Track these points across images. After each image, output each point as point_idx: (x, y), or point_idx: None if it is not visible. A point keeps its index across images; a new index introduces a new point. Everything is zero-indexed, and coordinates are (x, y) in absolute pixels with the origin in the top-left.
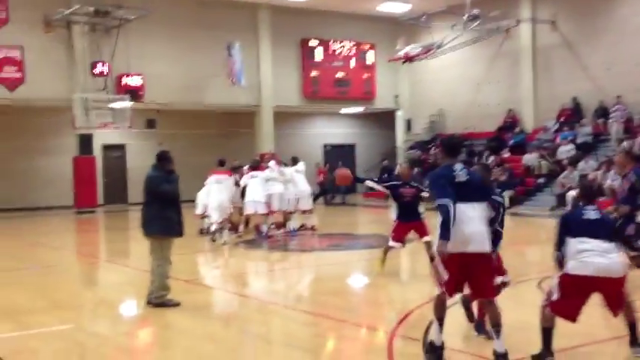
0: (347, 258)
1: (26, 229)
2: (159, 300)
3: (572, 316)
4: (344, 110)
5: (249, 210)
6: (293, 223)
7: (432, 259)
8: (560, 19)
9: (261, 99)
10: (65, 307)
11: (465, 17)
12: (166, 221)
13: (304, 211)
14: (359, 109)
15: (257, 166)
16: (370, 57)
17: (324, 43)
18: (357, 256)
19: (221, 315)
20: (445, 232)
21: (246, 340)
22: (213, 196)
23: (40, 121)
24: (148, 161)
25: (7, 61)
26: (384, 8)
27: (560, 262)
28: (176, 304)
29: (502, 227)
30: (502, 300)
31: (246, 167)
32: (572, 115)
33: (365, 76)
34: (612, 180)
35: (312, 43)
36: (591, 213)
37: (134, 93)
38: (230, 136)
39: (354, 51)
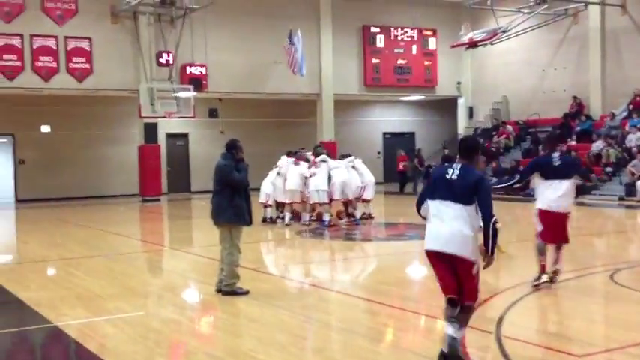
0: (408, 248)
1: (95, 217)
2: (229, 288)
3: None
4: (405, 98)
5: (313, 199)
6: (358, 212)
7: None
8: (630, 2)
9: (321, 87)
10: (136, 293)
11: (531, 0)
12: (236, 210)
13: (365, 200)
14: (420, 96)
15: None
16: (432, 43)
17: (386, 30)
18: (420, 246)
19: (288, 303)
20: None
21: (313, 327)
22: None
23: (107, 110)
24: (209, 150)
25: (76, 52)
26: None
27: None
28: (245, 292)
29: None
30: (572, 293)
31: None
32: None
33: (426, 62)
34: None
35: (374, 29)
36: None
37: (198, 82)
38: (291, 125)
39: (415, 37)
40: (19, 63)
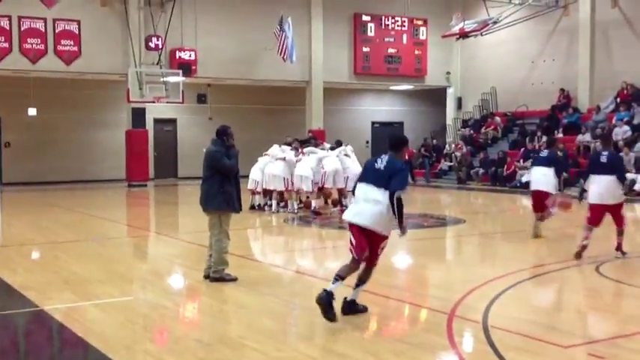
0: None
1: (82, 202)
2: (217, 274)
3: None
4: (394, 87)
5: (296, 185)
6: (346, 200)
7: None
8: None
9: (311, 75)
10: (124, 278)
11: None
12: (226, 196)
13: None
14: (409, 86)
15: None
16: (422, 33)
17: (377, 19)
18: (408, 236)
19: (276, 291)
20: None
21: (303, 315)
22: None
23: (95, 94)
24: (197, 135)
25: (64, 34)
26: None
27: None
28: (234, 279)
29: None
30: (559, 284)
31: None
32: (629, 95)
33: (417, 52)
34: None
35: (365, 18)
36: None
37: (187, 67)
38: (280, 112)
39: (406, 27)
40: (6, 45)
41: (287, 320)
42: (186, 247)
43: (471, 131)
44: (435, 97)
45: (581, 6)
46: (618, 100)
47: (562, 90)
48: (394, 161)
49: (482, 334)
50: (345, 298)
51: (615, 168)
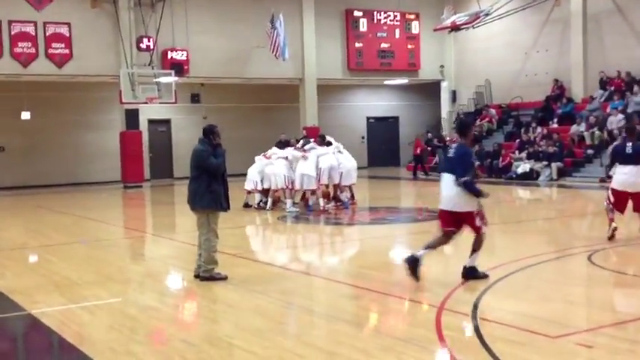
0: (391, 232)
1: (75, 204)
2: (207, 274)
3: None
4: (388, 82)
5: (297, 184)
6: (344, 196)
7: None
8: None
9: (304, 72)
10: (114, 280)
11: None
12: (214, 195)
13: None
14: (403, 80)
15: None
16: (415, 27)
17: (369, 14)
18: (402, 230)
19: (267, 288)
20: None
21: (292, 313)
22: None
23: (87, 96)
24: (192, 135)
25: (55, 37)
26: None
27: None
28: (224, 278)
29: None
30: (550, 275)
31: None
32: (622, 84)
33: (410, 46)
34: None
35: (357, 13)
36: None
37: (179, 67)
38: (274, 110)
39: (398, 21)
40: None
41: (276, 318)
42: (179, 247)
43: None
44: (430, 91)
45: None
46: (612, 88)
47: (556, 80)
48: (460, 147)
49: (471, 327)
50: (465, 266)
51: None
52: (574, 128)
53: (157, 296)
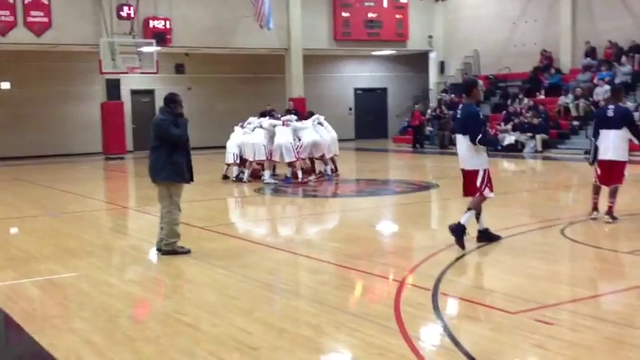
0: (369, 204)
1: (54, 176)
2: (169, 247)
3: None
4: (376, 53)
5: (275, 156)
6: (327, 167)
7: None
8: None
9: (290, 42)
10: (74, 254)
11: None
12: (175, 166)
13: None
14: (391, 51)
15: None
16: None
17: None
18: (380, 203)
19: (229, 263)
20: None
21: (250, 288)
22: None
23: (68, 66)
24: None
25: (34, 5)
26: None
27: None
28: (186, 252)
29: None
30: (520, 249)
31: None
32: (612, 55)
33: (397, 16)
34: None
35: None
36: None
37: (161, 36)
38: (260, 81)
39: None
40: None
41: (231, 293)
42: (149, 220)
43: (453, 95)
44: (418, 62)
45: None
46: (598, 59)
47: (544, 51)
48: (465, 107)
49: (429, 302)
50: (478, 230)
51: (625, 120)
52: (562, 100)
53: (114, 271)
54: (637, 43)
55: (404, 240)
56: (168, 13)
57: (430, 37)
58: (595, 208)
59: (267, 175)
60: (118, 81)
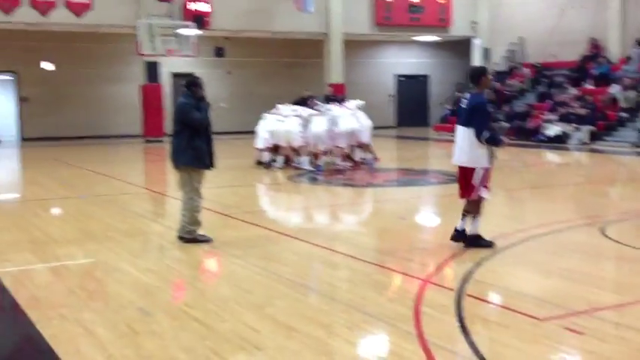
0: (403, 195)
1: (91, 158)
2: (189, 235)
3: None
4: (417, 38)
5: (310, 144)
6: (368, 156)
7: None
8: None
9: (329, 26)
10: (95, 239)
11: None
12: (196, 152)
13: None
14: (433, 37)
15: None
16: None
17: None
18: (415, 194)
19: (247, 253)
20: None
21: (265, 281)
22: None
23: (107, 47)
24: (216, 90)
25: None
26: None
27: None
28: (207, 240)
29: None
30: (556, 248)
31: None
32: None
33: (440, 1)
34: None
35: None
36: None
37: (200, 19)
38: (300, 66)
39: None
40: None
41: (245, 287)
42: (177, 207)
43: (497, 83)
44: (461, 49)
45: None
46: None
47: (592, 39)
48: (474, 97)
49: (452, 304)
50: (456, 228)
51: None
52: (612, 89)
53: (131, 258)
54: None
55: (434, 235)
56: None
57: (474, 22)
58: None
59: (304, 161)
60: (155, 63)
